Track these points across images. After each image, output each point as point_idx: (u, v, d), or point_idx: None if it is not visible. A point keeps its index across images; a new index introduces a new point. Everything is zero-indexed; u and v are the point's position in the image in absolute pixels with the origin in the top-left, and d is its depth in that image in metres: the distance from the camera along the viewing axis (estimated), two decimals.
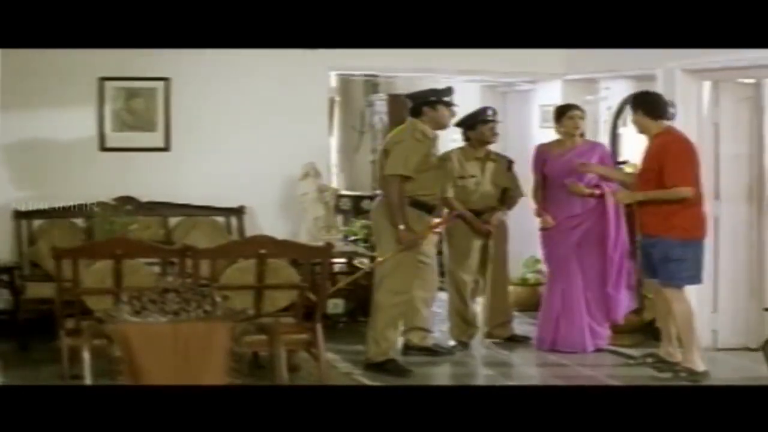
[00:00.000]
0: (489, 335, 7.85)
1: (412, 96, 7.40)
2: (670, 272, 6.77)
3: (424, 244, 7.19)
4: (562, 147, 7.74)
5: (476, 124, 7.76)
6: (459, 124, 7.83)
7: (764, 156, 7.74)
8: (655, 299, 7.19)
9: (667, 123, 6.97)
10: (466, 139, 7.84)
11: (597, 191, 7.57)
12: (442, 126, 7.25)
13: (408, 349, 7.45)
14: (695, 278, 6.89)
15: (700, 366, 6.83)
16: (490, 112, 7.83)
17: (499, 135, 7.90)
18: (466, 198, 7.71)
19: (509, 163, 7.91)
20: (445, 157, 7.66)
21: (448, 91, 7.26)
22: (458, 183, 7.71)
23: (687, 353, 6.86)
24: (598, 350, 7.69)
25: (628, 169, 8.18)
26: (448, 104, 7.20)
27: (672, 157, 6.74)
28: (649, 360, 7.16)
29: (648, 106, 6.91)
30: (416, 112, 7.15)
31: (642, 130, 7.01)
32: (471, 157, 7.77)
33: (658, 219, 6.78)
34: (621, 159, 8.77)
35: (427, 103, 7.11)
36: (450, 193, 7.63)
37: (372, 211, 7.42)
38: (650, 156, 6.89)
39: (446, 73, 9.37)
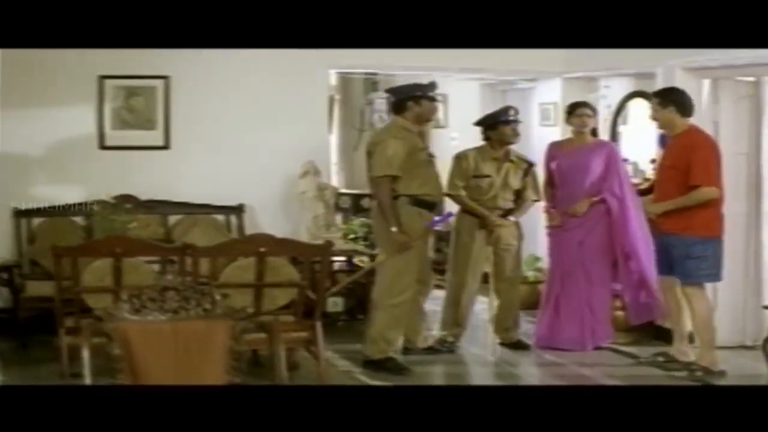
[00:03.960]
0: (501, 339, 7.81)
1: (394, 91, 7.41)
2: (689, 270, 6.82)
3: (422, 243, 7.16)
4: (572, 145, 7.76)
5: (498, 124, 7.64)
6: (479, 123, 7.77)
7: (763, 154, 7.75)
8: (667, 297, 7.17)
9: (690, 121, 7.00)
10: (486, 138, 7.74)
11: (595, 198, 7.58)
12: (426, 120, 7.33)
13: (408, 348, 7.41)
14: (715, 276, 6.95)
15: (717, 365, 6.86)
16: (512, 113, 7.73)
17: (520, 136, 7.76)
18: (479, 198, 7.64)
19: (529, 166, 7.80)
20: (461, 157, 7.68)
21: (433, 86, 7.26)
22: (471, 182, 7.66)
23: (705, 352, 6.91)
24: (599, 349, 7.68)
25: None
26: (433, 99, 7.24)
27: (699, 157, 6.77)
28: (660, 359, 7.19)
29: (681, 103, 6.93)
30: (400, 108, 7.15)
31: (667, 126, 7.01)
32: (488, 157, 7.69)
33: (679, 217, 6.82)
34: (621, 157, 8.76)
35: (412, 98, 7.12)
36: (462, 191, 7.61)
37: (372, 211, 7.41)
38: (675, 154, 6.92)
39: (446, 72, 9.39)
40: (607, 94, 9.07)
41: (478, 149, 7.78)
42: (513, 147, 7.77)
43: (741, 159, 7.75)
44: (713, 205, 6.81)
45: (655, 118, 7.10)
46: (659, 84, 7.85)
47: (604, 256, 7.61)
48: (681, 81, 7.65)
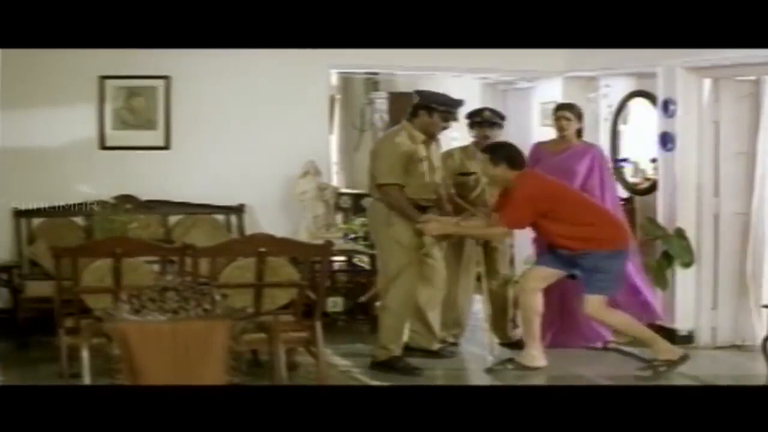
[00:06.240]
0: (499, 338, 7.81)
1: (419, 94, 7.29)
2: (593, 282, 6.77)
3: (429, 244, 7.14)
4: (557, 147, 7.74)
5: (473, 125, 7.74)
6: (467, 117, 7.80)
7: (764, 153, 7.74)
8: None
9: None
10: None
11: None
12: (430, 134, 7.13)
13: (409, 350, 7.36)
14: (611, 290, 6.86)
15: (675, 352, 6.87)
16: (487, 114, 7.75)
17: (489, 138, 7.59)
18: (465, 195, 7.67)
19: None
20: (446, 155, 7.67)
21: (456, 103, 7.15)
22: (457, 180, 7.67)
23: (656, 346, 6.91)
24: (605, 349, 7.70)
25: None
26: (447, 117, 7.10)
27: (512, 198, 6.74)
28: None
29: (511, 159, 6.82)
30: (413, 113, 7.13)
31: (502, 183, 6.90)
32: (473, 155, 7.71)
33: (580, 239, 6.77)
34: (621, 157, 8.76)
35: (426, 107, 7.08)
36: (451, 189, 7.60)
37: (367, 214, 7.42)
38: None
39: (446, 71, 9.39)
40: (608, 94, 9.06)
41: (463, 148, 7.82)
42: None
43: (741, 159, 7.75)
44: (611, 219, 6.95)
45: (491, 174, 6.95)
46: (660, 83, 7.85)
47: None
48: (681, 80, 7.68)
